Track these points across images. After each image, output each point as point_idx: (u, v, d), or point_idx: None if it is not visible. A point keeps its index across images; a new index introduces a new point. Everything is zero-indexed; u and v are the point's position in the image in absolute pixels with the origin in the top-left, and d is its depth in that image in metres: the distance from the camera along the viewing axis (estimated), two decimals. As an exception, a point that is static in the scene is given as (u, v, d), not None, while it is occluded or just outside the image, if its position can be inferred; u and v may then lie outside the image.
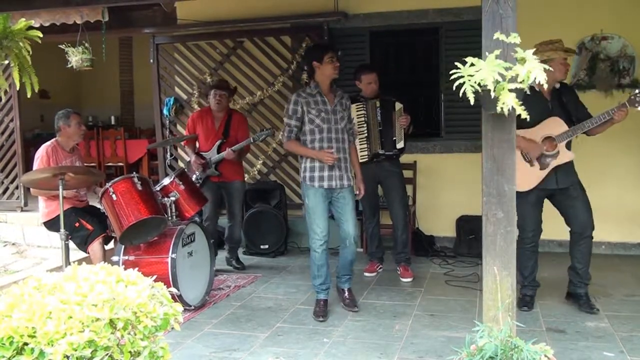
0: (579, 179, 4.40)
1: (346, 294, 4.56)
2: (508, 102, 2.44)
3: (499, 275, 2.77)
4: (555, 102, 4.27)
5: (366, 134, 5.29)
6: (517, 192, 4.28)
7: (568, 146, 4.26)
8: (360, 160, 5.15)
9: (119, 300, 2.08)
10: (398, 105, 5.35)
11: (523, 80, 2.47)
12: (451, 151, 6.42)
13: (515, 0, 2.78)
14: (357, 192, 4.57)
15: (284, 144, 4.64)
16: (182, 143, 6.16)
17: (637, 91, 4.01)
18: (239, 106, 6.80)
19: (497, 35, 2.59)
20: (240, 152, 5.68)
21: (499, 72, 2.47)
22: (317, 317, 4.32)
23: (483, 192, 2.83)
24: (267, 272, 5.64)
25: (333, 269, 4.66)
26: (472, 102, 2.45)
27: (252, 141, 5.61)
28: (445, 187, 6.42)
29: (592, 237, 4.39)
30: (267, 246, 6.23)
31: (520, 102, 2.48)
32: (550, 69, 2.53)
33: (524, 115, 2.50)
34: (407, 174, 6.01)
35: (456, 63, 2.54)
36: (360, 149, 5.23)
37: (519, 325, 2.79)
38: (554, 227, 4.51)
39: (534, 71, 2.44)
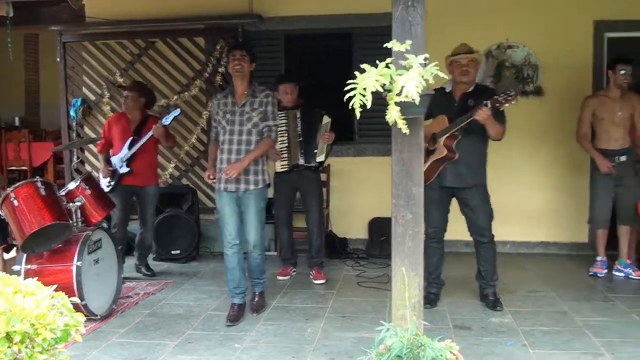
0: (485, 183, 4.55)
1: (256, 297, 4.54)
2: (392, 114, 2.48)
3: (407, 276, 2.84)
4: (461, 104, 4.43)
5: (287, 144, 5.29)
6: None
7: (460, 146, 4.38)
8: (282, 170, 5.17)
9: (15, 312, 1.99)
10: (326, 119, 5.35)
11: (400, 92, 2.46)
12: (364, 155, 6.54)
13: (424, 8, 2.86)
14: (225, 174, 4.21)
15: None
16: (97, 150, 5.93)
17: (501, 93, 4.20)
18: (152, 109, 6.63)
19: (392, 43, 2.63)
20: (167, 137, 5.47)
21: (383, 82, 2.48)
22: (230, 321, 4.28)
23: (392, 195, 2.90)
24: (178, 278, 5.53)
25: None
26: (357, 116, 2.44)
27: (163, 124, 5.34)
28: (358, 190, 6.53)
29: (492, 242, 4.58)
30: (178, 251, 6.12)
31: (403, 118, 2.50)
32: (442, 74, 2.58)
33: (405, 129, 2.53)
34: (322, 177, 6.05)
35: (356, 73, 2.55)
36: (282, 158, 5.24)
37: (426, 323, 2.87)
38: (461, 227, 4.67)
39: (408, 83, 2.43)
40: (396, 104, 2.49)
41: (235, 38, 6.43)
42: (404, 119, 2.52)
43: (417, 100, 2.45)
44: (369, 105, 2.47)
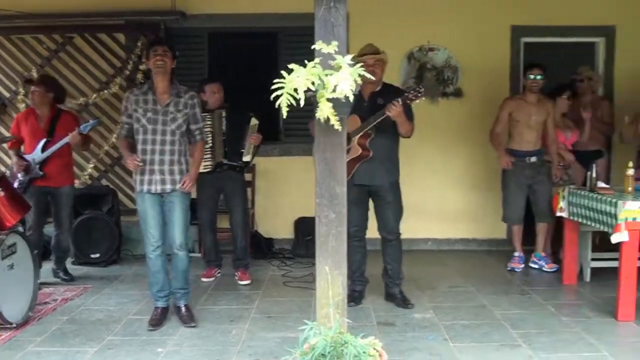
0: (397, 181, 4.63)
1: (183, 310, 4.35)
2: (324, 110, 2.51)
3: (330, 274, 2.87)
4: (370, 103, 4.51)
5: (211, 144, 5.23)
6: None
7: (373, 144, 4.45)
8: (205, 170, 5.08)
9: None
10: (254, 121, 5.33)
11: (334, 90, 2.52)
12: (290, 154, 6.56)
13: (345, 9, 2.88)
14: (180, 185, 4.19)
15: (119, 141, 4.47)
16: (7, 146, 5.66)
17: (411, 91, 4.33)
18: (70, 106, 6.40)
19: (318, 44, 2.66)
20: (83, 144, 5.30)
21: (315, 81, 2.52)
22: (153, 325, 4.18)
23: (316, 194, 2.92)
24: (98, 283, 5.37)
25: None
26: (284, 115, 2.48)
27: (81, 131, 5.15)
28: (284, 190, 6.54)
29: (399, 240, 4.67)
30: (98, 255, 5.93)
31: (336, 114, 2.54)
32: (368, 75, 2.63)
33: (337, 126, 2.58)
34: (247, 177, 6.02)
35: (282, 72, 2.56)
36: (205, 158, 5.15)
37: (349, 321, 2.90)
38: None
39: (341, 82, 2.49)
40: (328, 100, 2.52)
41: (157, 35, 6.30)
42: (335, 115, 2.55)
43: (351, 98, 2.52)
44: (302, 104, 2.50)
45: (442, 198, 6.51)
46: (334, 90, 2.51)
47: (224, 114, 5.26)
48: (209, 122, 5.19)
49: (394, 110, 4.24)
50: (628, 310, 4.29)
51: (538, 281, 5.39)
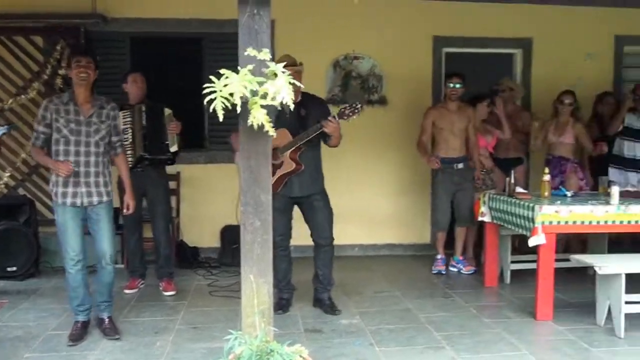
0: (324, 188, 4.68)
1: (106, 322, 4.23)
2: (259, 117, 2.51)
3: (255, 283, 2.85)
4: (293, 113, 4.51)
5: (131, 139, 5.12)
6: None
7: (304, 157, 4.49)
8: None
9: None
10: (167, 111, 5.28)
11: (274, 98, 2.55)
12: (215, 161, 6.49)
13: (269, 17, 2.88)
14: (126, 210, 4.37)
15: (31, 150, 4.28)
16: None
17: (346, 105, 4.36)
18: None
19: (249, 50, 2.66)
20: None
21: (250, 88, 2.53)
22: (73, 340, 4.03)
23: (241, 202, 2.90)
24: (15, 297, 5.11)
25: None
26: (220, 118, 2.47)
27: None
28: (210, 198, 6.45)
29: (332, 246, 4.72)
30: (14, 268, 5.65)
31: (270, 120, 2.56)
32: (299, 83, 2.65)
33: (272, 132, 2.59)
34: (171, 184, 5.93)
35: (211, 77, 2.55)
36: (127, 155, 5.02)
37: (276, 329, 2.89)
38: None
39: (281, 90, 2.52)
40: (262, 107, 2.52)
41: (77, 38, 6.11)
42: (270, 122, 2.55)
43: (292, 106, 2.55)
44: (239, 109, 2.52)
45: (368, 204, 6.59)
46: (273, 98, 2.51)
47: (143, 108, 5.19)
48: (129, 118, 5.12)
49: (331, 127, 4.30)
50: (546, 310, 4.48)
51: (461, 284, 5.54)
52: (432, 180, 5.94)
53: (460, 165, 5.81)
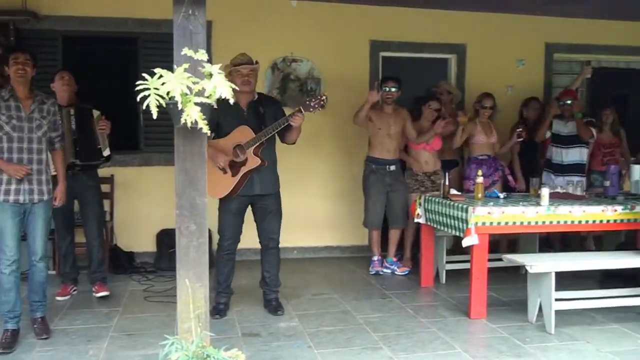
0: (279, 190, 4.70)
1: (38, 321, 4.16)
2: (192, 114, 2.49)
3: (191, 287, 2.81)
4: (251, 112, 4.52)
5: None
6: (220, 200, 4.51)
7: (264, 153, 4.48)
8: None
9: None
10: (95, 113, 5.16)
11: (210, 95, 2.55)
12: (150, 164, 6.36)
13: (204, 17, 2.86)
14: (56, 202, 4.23)
15: None
16: None
17: (310, 97, 4.44)
18: None
19: (185, 50, 2.63)
20: None
21: (187, 85, 2.52)
22: (3, 349, 3.87)
23: (176, 205, 2.86)
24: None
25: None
26: (154, 115, 2.45)
27: None
28: (145, 201, 6.32)
29: (279, 248, 4.75)
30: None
31: (204, 117, 2.54)
32: (233, 85, 2.63)
33: (206, 129, 2.57)
34: (105, 188, 5.78)
35: (144, 74, 2.52)
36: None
37: (212, 334, 2.86)
38: (252, 235, 4.74)
39: (219, 87, 2.53)
40: (196, 104, 2.50)
41: (5, 36, 5.87)
42: (204, 119, 2.52)
43: (232, 101, 2.60)
44: (179, 106, 2.51)
45: (306, 207, 6.61)
46: (210, 95, 2.52)
47: (72, 112, 5.05)
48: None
49: (299, 120, 4.35)
50: (480, 308, 4.60)
51: (398, 285, 5.62)
52: (364, 181, 5.99)
53: (393, 167, 5.91)
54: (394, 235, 6.04)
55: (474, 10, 6.76)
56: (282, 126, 4.39)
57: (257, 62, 4.54)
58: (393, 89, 5.81)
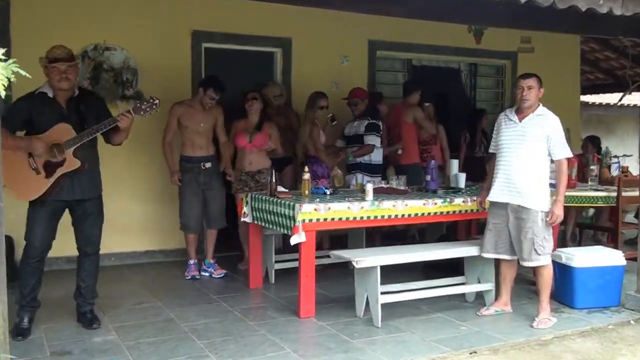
0: (101, 192, 4.48)
1: None
2: None
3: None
4: (71, 109, 4.25)
5: None
6: (31, 203, 4.16)
7: (86, 154, 4.24)
8: None
9: None
10: None
11: None
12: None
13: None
14: None
15: None
16: None
17: (142, 100, 4.35)
18: None
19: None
20: None
21: None
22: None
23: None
24: None
25: None
26: None
27: None
28: None
29: (98, 255, 4.52)
30: None
31: None
32: (23, 72, 2.39)
33: None
34: None
35: None
36: None
37: (14, 357, 2.62)
38: (64, 243, 4.46)
39: None
40: None
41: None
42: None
43: (3, 94, 2.31)
44: None
45: (125, 209, 6.32)
46: None
47: None
48: None
49: (127, 122, 4.17)
50: (309, 306, 4.70)
51: (226, 288, 5.58)
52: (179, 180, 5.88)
53: (208, 164, 5.87)
54: (210, 236, 6.02)
55: (296, 4, 6.88)
56: (109, 127, 4.19)
57: (78, 56, 4.27)
58: (214, 96, 5.80)
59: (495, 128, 4.82)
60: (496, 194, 4.65)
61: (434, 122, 7.28)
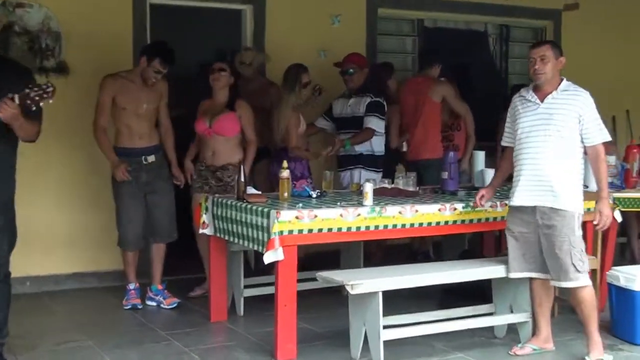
0: (12, 198, 4.43)
1: None
2: None
3: None
4: None
5: None
6: None
7: None
8: None
9: None
10: None
11: None
12: None
13: None
14: None
15: None
16: None
17: (32, 87, 4.03)
18: None
19: None
20: None
21: None
22: None
23: None
24: None
25: None
26: None
27: None
28: None
29: (9, 281, 4.46)
30: None
31: None
32: None
33: None
34: None
35: None
36: None
37: None
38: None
39: None
40: None
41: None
42: None
43: None
44: None
45: (44, 222, 6.37)
46: None
47: None
48: None
49: (8, 112, 3.94)
50: (289, 346, 4.68)
51: (179, 322, 5.59)
52: (112, 183, 5.84)
53: (151, 158, 5.89)
54: (157, 252, 6.02)
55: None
56: None
57: None
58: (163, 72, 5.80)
59: (509, 114, 4.86)
60: (522, 197, 4.66)
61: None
